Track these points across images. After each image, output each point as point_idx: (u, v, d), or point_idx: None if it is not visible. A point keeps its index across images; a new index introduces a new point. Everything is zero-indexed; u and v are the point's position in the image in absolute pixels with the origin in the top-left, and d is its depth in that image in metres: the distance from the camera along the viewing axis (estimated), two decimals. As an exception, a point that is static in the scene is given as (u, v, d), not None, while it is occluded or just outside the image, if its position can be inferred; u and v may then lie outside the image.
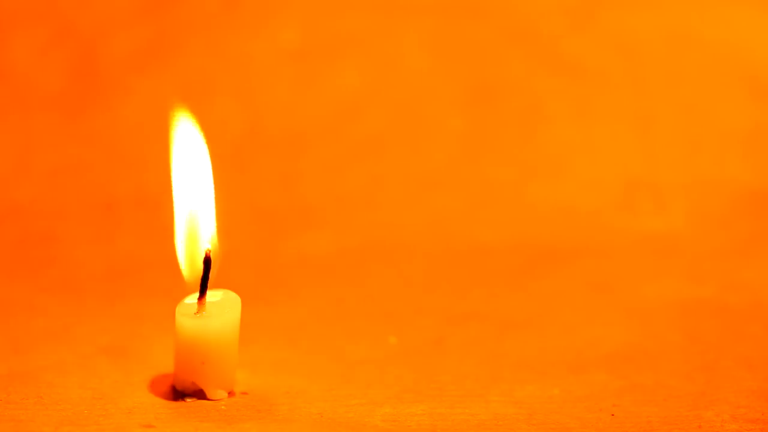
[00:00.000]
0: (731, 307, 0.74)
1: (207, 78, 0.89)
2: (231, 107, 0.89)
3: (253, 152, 0.87)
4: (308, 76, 0.90)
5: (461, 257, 0.81)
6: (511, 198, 0.86)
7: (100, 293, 0.74)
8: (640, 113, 0.90)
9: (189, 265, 0.61)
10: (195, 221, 0.61)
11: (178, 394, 0.60)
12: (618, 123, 0.89)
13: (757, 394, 0.62)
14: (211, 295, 0.60)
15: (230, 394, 0.60)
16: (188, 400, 0.60)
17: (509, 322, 0.71)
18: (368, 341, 0.68)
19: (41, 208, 0.83)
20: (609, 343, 0.68)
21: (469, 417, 0.59)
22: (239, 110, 0.89)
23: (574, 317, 0.72)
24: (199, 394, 0.60)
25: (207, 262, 0.59)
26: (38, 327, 0.68)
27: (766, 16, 0.91)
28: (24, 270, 0.77)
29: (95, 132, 0.87)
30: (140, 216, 0.83)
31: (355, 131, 0.89)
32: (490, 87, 0.90)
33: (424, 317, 0.72)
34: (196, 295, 0.60)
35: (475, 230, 0.84)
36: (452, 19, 0.91)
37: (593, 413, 0.59)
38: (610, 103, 0.90)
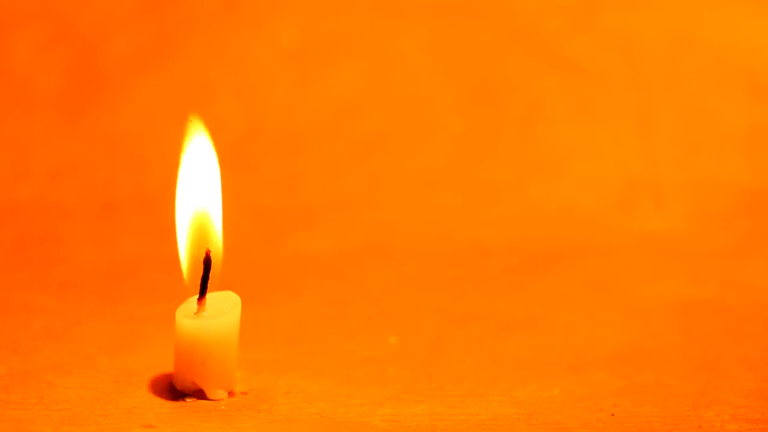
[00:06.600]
0: (731, 307, 0.74)
1: (207, 78, 0.89)
2: (231, 107, 0.89)
3: (253, 152, 0.87)
4: (308, 76, 0.90)
5: (461, 257, 0.81)
6: (511, 198, 0.86)
7: (100, 293, 0.74)
8: (640, 113, 0.90)
9: (189, 268, 0.61)
10: (202, 223, 0.60)
11: (178, 394, 0.60)
12: (618, 123, 0.90)
13: (757, 394, 0.62)
14: (211, 295, 0.60)
15: (230, 394, 0.60)
16: (188, 400, 0.60)
17: (509, 322, 0.71)
18: (368, 341, 0.68)
19: (41, 208, 0.83)
20: (609, 343, 0.68)
21: (469, 417, 0.59)
22: (239, 110, 0.89)
23: (574, 317, 0.72)
24: (199, 394, 0.60)
25: (207, 262, 0.59)
26: (38, 327, 0.68)
27: (766, 16, 0.91)
28: (24, 270, 0.77)
29: (95, 132, 0.87)
30: (140, 216, 0.83)
31: (355, 131, 0.89)
32: (490, 87, 0.90)
33: (424, 317, 0.72)
34: (196, 296, 0.60)
35: (475, 230, 0.84)
36: (452, 19, 0.91)
37: (593, 413, 0.59)
38: (610, 103, 0.90)
